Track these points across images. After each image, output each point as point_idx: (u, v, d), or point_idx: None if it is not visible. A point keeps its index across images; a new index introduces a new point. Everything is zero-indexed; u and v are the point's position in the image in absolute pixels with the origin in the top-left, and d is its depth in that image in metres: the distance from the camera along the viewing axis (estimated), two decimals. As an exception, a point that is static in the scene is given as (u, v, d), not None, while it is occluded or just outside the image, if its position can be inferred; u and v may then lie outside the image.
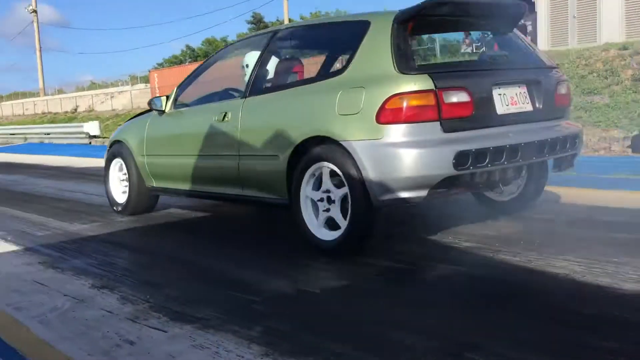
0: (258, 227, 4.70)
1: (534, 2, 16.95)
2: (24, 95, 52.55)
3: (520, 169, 3.83)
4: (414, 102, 3.28)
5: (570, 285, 2.87)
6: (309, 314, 2.70)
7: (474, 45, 21.93)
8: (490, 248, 3.59)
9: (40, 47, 49.26)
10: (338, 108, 3.49)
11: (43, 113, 41.68)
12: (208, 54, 52.28)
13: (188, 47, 58.77)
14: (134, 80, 40.09)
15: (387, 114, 3.29)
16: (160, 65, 54.48)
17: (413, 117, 3.28)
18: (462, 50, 21.33)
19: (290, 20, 41.08)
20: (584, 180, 6.06)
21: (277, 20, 43.95)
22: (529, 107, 3.77)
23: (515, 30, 4.20)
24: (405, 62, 3.40)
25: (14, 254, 4.18)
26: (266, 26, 43.28)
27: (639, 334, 2.29)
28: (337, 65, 4.09)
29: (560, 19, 16.26)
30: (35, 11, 47.76)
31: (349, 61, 3.67)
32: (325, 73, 4.35)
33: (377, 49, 3.54)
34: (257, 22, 43.53)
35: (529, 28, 17.76)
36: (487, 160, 3.35)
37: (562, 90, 4.01)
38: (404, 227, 4.31)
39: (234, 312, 2.76)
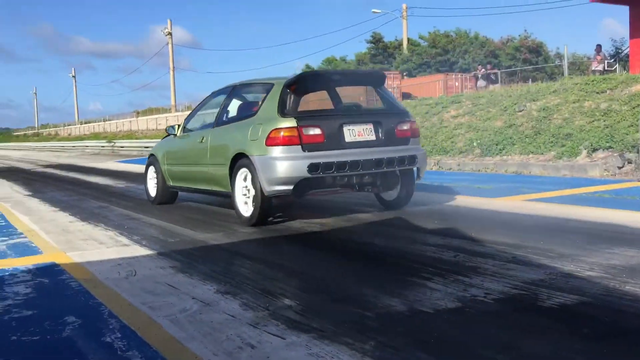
0: (372, 244, 4.77)
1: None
2: (157, 111, 56.56)
3: (375, 175, 5.90)
4: (286, 134, 5.48)
5: None
6: (423, 332, 2.72)
7: (605, 62, 20.78)
8: (616, 279, 3.42)
9: (174, 67, 52.85)
10: (250, 136, 5.77)
11: (173, 128, 44.50)
12: (327, 73, 53.39)
13: (307, 66, 60.45)
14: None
15: (270, 140, 5.51)
16: (282, 83, 56.45)
17: (284, 142, 5.48)
18: (594, 68, 20.30)
19: (408, 40, 41.05)
20: None
21: (396, 39, 44.09)
22: (372, 137, 5.84)
23: (383, 87, 6.48)
24: (283, 110, 5.64)
25: (149, 258, 4.56)
26: (385, 46, 43.55)
27: None
28: (255, 109, 6.16)
29: None
30: (170, 33, 51.39)
31: (259, 107, 6.00)
32: (247, 114, 6.23)
33: (272, 101, 5.79)
34: (377, 41, 43.86)
35: None
36: (334, 169, 5.50)
37: (404, 127, 6.09)
38: (515, 251, 4.20)
39: (348, 325, 2.84)
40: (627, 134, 10.43)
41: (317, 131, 5.56)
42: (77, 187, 11.47)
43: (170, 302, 3.35)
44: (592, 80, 13.30)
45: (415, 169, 6.12)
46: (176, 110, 50.76)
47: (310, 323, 2.90)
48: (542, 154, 11.50)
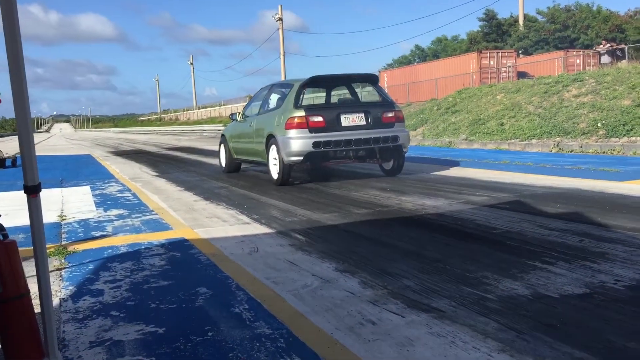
0: (490, 226, 4.67)
1: None
2: (269, 95, 58.00)
3: (368, 150, 8.06)
4: (298, 120, 7.79)
5: None
6: (547, 316, 2.66)
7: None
8: None
9: (284, 52, 53.96)
10: (275, 122, 8.14)
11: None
12: (437, 53, 52.26)
13: (417, 47, 59.45)
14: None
15: (288, 125, 7.82)
16: (390, 65, 56.00)
17: (297, 127, 7.79)
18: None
19: (525, 16, 39.12)
20: None
21: (511, 16, 42.16)
22: (363, 122, 7.98)
23: (377, 84, 8.96)
24: (297, 103, 7.98)
25: (269, 236, 4.76)
26: (499, 23, 41.80)
27: None
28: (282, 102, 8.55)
29: None
30: (280, 19, 52.45)
31: (283, 101, 8.37)
32: (278, 105, 8.57)
33: (290, 96, 8.18)
34: (490, 19, 42.20)
35: None
36: (332, 145, 7.74)
37: (389, 114, 8.17)
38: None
39: (468, 306, 2.83)
40: None
41: (320, 118, 7.84)
42: (198, 168, 12.11)
43: (292, 278, 3.49)
44: None
45: (400, 145, 8.20)
46: (287, 95, 51.77)
47: (429, 303, 2.92)
48: (677, 134, 10.59)
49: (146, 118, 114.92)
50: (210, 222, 5.49)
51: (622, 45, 25.77)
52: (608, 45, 24.62)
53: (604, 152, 11.07)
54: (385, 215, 5.43)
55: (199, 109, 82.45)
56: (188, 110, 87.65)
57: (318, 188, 7.75)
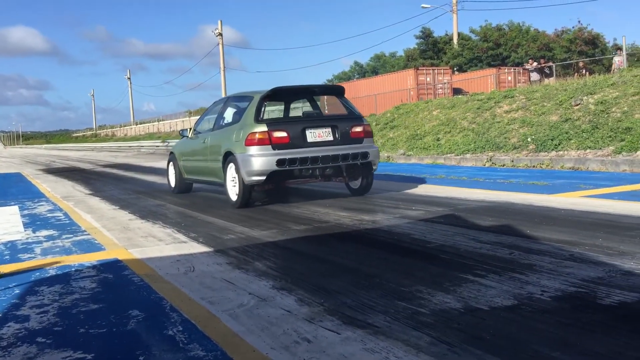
0: (425, 241, 4.76)
1: None
2: (209, 111, 57.42)
3: (335, 168, 7.49)
4: (259, 136, 7.07)
5: None
6: (478, 329, 2.72)
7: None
8: (680, 277, 3.32)
9: (224, 67, 53.68)
10: (234, 138, 7.40)
11: (225, 127, 45.16)
12: (376, 70, 53.21)
13: (356, 63, 60.37)
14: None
15: (248, 141, 7.11)
16: (330, 81, 56.57)
17: (258, 143, 7.07)
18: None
19: (459, 34, 40.40)
20: None
21: (446, 34, 43.47)
22: (330, 138, 7.36)
23: (343, 97, 8.06)
24: (258, 117, 7.25)
25: (206, 255, 4.69)
26: (435, 41, 43.01)
27: None
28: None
29: None
30: (220, 34, 52.20)
31: (242, 115, 7.61)
32: (235, 120, 7.85)
33: (250, 110, 7.43)
34: (426, 37, 43.37)
35: None
36: (297, 163, 7.08)
37: (357, 129, 7.56)
38: (573, 248, 4.12)
39: (402, 321, 2.87)
40: (691, 127, 10.00)
41: (284, 134, 7.12)
42: (134, 185, 11.84)
43: (228, 297, 3.45)
44: (654, 72, 12.81)
45: (370, 162, 7.55)
46: (227, 110, 51.43)
47: (365, 319, 2.94)
48: (600, 148, 11.17)
49: (81, 134, 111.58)
50: (145, 242, 5.36)
51: (550, 63, 26.99)
52: (535, 63, 25.74)
53: (533, 166, 11.52)
54: (324, 231, 5.45)
55: (136, 124, 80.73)
56: (125, 125, 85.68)
57: (257, 207, 7.70)
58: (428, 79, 29.71)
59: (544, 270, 3.65)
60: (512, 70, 29.85)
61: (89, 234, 5.94)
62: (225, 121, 8.19)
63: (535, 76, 24.64)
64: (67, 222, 6.94)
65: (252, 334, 2.81)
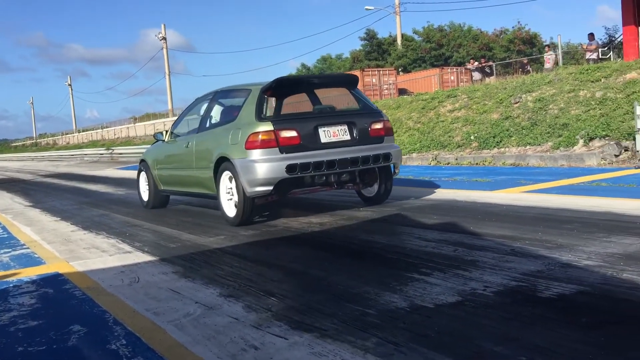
0: (372, 241, 4.80)
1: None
2: (155, 116, 56.55)
3: (352, 173, 6.33)
4: (263, 137, 5.72)
5: (702, 308, 2.72)
6: (423, 327, 2.76)
7: (599, 50, 20.82)
8: (614, 267, 3.46)
9: (170, 71, 52.85)
10: (230, 140, 6.02)
11: (171, 133, 44.42)
12: (323, 71, 53.48)
13: (304, 65, 60.38)
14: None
15: (250, 144, 5.76)
16: (278, 84, 56.36)
17: (263, 145, 5.72)
18: (588, 56, 20.36)
19: (403, 36, 41.01)
20: None
21: (390, 35, 44.06)
22: (347, 137, 6.09)
23: (356, 88, 6.73)
24: (260, 114, 5.89)
25: (151, 264, 4.59)
26: (379, 42, 43.53)
27: None
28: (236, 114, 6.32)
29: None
30: (164, 38, 51.37)
31: (238, 112, 6.23)
32: (228, 119, 6.47)
33: (250, 106, 6.06)
34: (371, 38, 43.86)
35: None
36: (311, 168, 5.76)
37: (377, 126, 6.32)
38: (513, 242, 4.24)
39: (350, 323, 2.88)
40: (622, 122, 10.47)
41: (293, 133, 5.83)
42: (77, 195, 11.50)
43: (174, 307, 3.38)
44: (587, 70, 13.35)
45: (391, 165, 6.41)
46: (173, 115, 50.71)
47: (312, 322, 2.93)
48: (540, 144, 11.54)
49: (20, 143, 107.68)
50: (88, 254, 5.21)
51: (490, 63, 27.73)
52: (476, 63, 26.41)
53: (477, 164, 11.80)
54: (273, 235, 5.43)
55: (79, 132, 78.47)
56: (67, 133, 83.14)
57: (204, 211, 7.61)
58: (374, 80, 30.06)
59: (486, 266, 3.74)
60: (454, 70, 30.53)
61: (28, 248, 5.73)
62: (214, 121, 6.95)
63: (477, 75, 25.27)
64: (5, 236, 6.67)
65: (198, 344, 2.77)
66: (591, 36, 20.61)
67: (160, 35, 51.41)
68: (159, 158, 7.88)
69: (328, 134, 5.99)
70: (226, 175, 6.11)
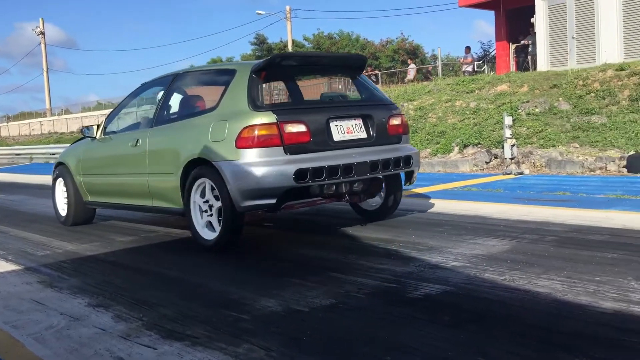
0: (249, 246, 4.79)
1: (533, 23, 17.13)
2: (31, 115, 52.99)
3: (375, 182, 5.02)
4: (262, 132, 4.29)
5: (550, 303, 2.95)
6: (296, 331, 2.78)
7: (475, 63, 22.18)
8: (477, 267, 3.68)
9: (48, 68, 49.82)
10: (211, 136, 4.51)
11: (49, 133, 41.99)
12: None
13: (192, 67, 59.14)
14: (140, 100, 40.49)
15: (242, 141, 4.30)
16: (166, 85, 54.92)
17: (262, 143, 4.30)
18: (464, 69, 21.57)
19: (293, 42, 41.43)
20: (578, 201, 6.15)
21: (281, 41, 44.35)
22: (363, 135, 4.81)
23: (362, 75, 5.38)
24: (256, 102, 4.45)
25: (14, 274, 4.28)
26: (270, 47, 43.68)
27: (613, 352, 2.37)
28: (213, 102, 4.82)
29: (559, 40, 16.43)
30: (42, 33, 48.38)
31: (219, 99, 4.70)
32: (201, 110, 5.09)
33: (237, 91, 4.60)
34: (261, 43, 43.92)
35: (530, 48, 17.94)
36: (324, 175, 4.37)
37: (395, 121, 5.05)
38: (388, 245, 4.40)
39: (223, 330, 2.84)
40: (493, 131, 11.21)
41: (302, 128, 4.43)
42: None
43: (36, 320, 3.17)
44: (462, 81, 14.18)
45: (401, 173, 5.16)
46: (52, 114, 47.87)
47: (184, 331, 2.86)
48: (420, 151, 12.09)
49: None
50: (-59, 263, 4.76)
51: (377, 71, 28.69)
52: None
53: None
54: (151, 241, 5.25)
55: (-58, 130, 71.78)
56: None
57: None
58: (264, 86, 30.02)
59: (362, 268, 3.84)
60: (342, 78, 31.22)
61: None
62: (176, 111, 5.40)
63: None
64: None
65: (59, 358, 2.61)
66: (467, 49, 21.88)
67: (38, 29, 48.35)
68: (86, 161, 6.10)
69: (341, 129, 4.69)
70: (201, 184, 4.63)
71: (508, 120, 10.06)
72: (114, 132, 5.95)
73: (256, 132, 4.30)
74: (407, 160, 4.97)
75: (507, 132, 10.05)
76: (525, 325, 2.69)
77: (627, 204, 5.81)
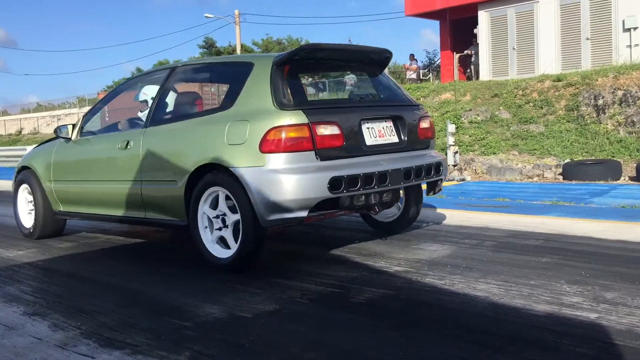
0: (192, 252, 4.74)
1: (476, 34, 17.64)
2: (-36, 116, 50.71)
3: (397, 192, 4.45)
4: (291, 134, 3.76)
5: (487, 307, 3.05)
6: (239, 337, 2.77)
7: (420, 71, 22.60)
8: (419, 272, 3.76)
9: (-16, 68, 47.86)
10: (227, 138, 3.93)
11: (-15, 135, 40.30)
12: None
13: (139, 69, 58.13)
14: (82, 102, 39.41)
15: (268, 144, 3.75)
16: (110, 87, 53.74)
17: (291, 147, 3.76)
18: (408, 76, 21.93)
19: (242, 46, 41.24)
20: (516, 207, 6.36)
21: (230, 45, 44.08)
22: (394, 139, 4.38)
23: (384, 72, 4.90)
24: (282, 99, 3.90)
25: (-56, 282, 4.10)
26: (218, 51, 43.35)
27: (546, 354, 2.47)
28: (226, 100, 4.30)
29: (500, 51, 16.98)
30: (-21, 31, 46.47)
31: (235, 97, 4.13)
32: (211, 108, 4.47)
33: (258, 87, 4.02)
34: (209, 46, 43.53)
35: (473, 58, 18.46)
36: (359, 185, 3.87)
37: (425, 124, 4.65)
38: (332, 251, 4.44)
39: (164, 337, 2.81)
40: (437, 138, 11.47)
41: (335, 130, 3.94)
42: None
43: (-33, 330, 3.05)
44: (408, 89, 14.46)
45: (440, 181, 4.70)
46: (-11, 116, 45.95)
47: (124, 339, 2.81)
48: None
49: None
50: None
51: (323, 79, 28.88)
52: (310, 79, 27.35)
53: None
54: (92, 248, 5.13)
55: None
56: None
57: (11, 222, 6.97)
58: (212, 90, 29.76)
59: (306, 274, 3.86)
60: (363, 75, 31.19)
61: None
62: (176, 110, 4.87)
63: (311, 90, 26.17)
64: None
65: (-9, 369, 2.52)
66: (412, 57, 22.29)
67: (-26, 26, 46.39)
68: (59, 165, 5.37)
69: (373, 132, 4.22)
70: (212, 193, 4.05)
71: (451, 128, 10.32)
72: (92, 133, 5.26)
73: (284, 134, 3.75)
74: (438, 167, 4.56)
75: (450, 140, 10.30)
76: (463, 328, 2.77)
77: (561, 210, 6.06)
